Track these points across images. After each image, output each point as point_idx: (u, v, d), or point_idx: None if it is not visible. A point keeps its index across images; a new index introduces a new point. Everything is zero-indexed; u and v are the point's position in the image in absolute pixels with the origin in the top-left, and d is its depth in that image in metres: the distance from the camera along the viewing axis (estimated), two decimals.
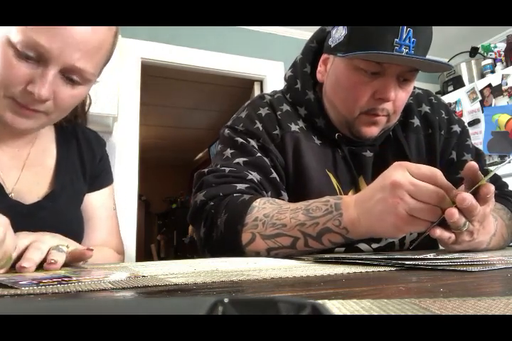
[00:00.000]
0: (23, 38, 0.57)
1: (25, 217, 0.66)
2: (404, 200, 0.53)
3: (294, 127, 0.83)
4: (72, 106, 0.69)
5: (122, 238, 0.87)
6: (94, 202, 0.82)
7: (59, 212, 0.73)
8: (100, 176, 0.84)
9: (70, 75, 0.63)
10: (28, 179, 0.72)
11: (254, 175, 0.76)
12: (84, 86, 0.66)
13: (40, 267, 0.46)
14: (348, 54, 0.73)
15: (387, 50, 0.69)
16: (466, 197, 0.54)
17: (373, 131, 0.79)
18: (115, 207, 0.87)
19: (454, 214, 0.54)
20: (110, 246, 0.80)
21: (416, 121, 0.88)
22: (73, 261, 0.51)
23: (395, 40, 0.69)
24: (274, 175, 0.78)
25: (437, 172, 0.54)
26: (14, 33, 0.58)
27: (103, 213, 0.83)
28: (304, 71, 0.87)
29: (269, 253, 0.64)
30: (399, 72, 0.73)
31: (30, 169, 0.73)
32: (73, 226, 0.75)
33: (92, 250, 0.51)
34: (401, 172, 0.55)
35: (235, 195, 0.71)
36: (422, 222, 0.54)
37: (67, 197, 0.76)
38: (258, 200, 0.68)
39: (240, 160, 0.78)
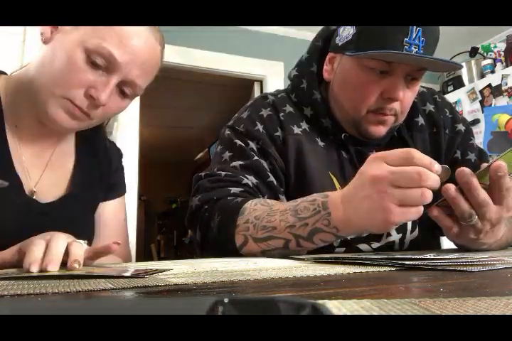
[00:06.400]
0: (100, 48, 0.63)
1: (39, 215, 0.68)
2: (389, 192, 0.51)
3: (296, 129, 0.82)
4: (112, 115, 0.74)
5: None
6: (107, 211, 0.83)
7: (72, 214, 0.74)
8: (115, 185, 0.86)
9: (124, 88, 0.69)
10: (48, 179, 0.73)
11: (250, 179, 0.75)
12: (130, 100, 0.72)
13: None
14: (358, 53, 0.72)
15: (397, 49, 0.69)
16: (464, 169, 0.54)
17: (381, 131, 0.78)
18: (126, 218, 0.88)
19: (449, 188, 0.54)
20: (118, 256, 0.80)
21: (420, 120, 0.87)
22: (93, 258, 0.52)
23: (405, 39, 0.69)
24: (272, 178, 0.78)
25: (412, 152, 0.52)
26: (90, 41, 0.63)
27: (114, 223, 0.84)
28: (310, 70, 0.86)
29: (264, 254, 0.64)
30: (407, 71, 0.73)
31: (51, 170, 0.75)
32: (84, 231, 0.75)
33: (119, 243, 0.51)
34: (377, 165, 0.53)
35: (228, 198, 0.71)
36: (413, 209, 0.52)
37: (81, 202, 0.77)
38: (249, 202, 0.68)
39: (237, 163, 0.77)
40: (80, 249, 0.48)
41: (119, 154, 0.89)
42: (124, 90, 0.69)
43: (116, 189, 0.86)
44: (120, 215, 0.86)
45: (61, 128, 0.68)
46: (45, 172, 0.74)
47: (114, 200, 0.85)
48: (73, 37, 0.64)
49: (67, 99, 0.64)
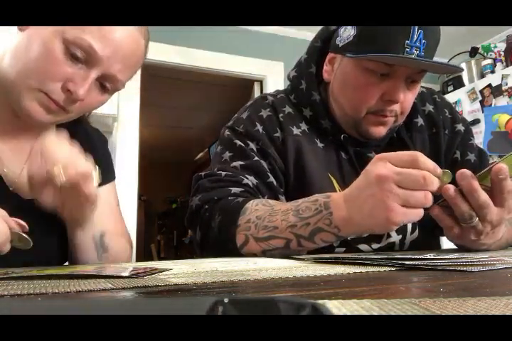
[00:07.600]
0: (79, 40, 0.60)
1: (23, 211, 0.66)
2: (394, 192, 0.52)
3: (296, 130, 0.82)
4: (92, 110, 0.71)
5: None
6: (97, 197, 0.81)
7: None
8: (102, 173, 0.83)
9: (104, 82, 0.65)
10: None
11: (250, 179, 0.75)
12: (109, 95, 0.69)
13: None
14: (359, 55, 0.72)
15: (398, 51, 0.69)
16: (464, 171, 0.55)
17: (381, 131, 0.78)
18: (118, 204, 0.86)
19: (448, 188, 0.55)
20: (117, 233, 0.78)
21: (420, 121, 0.87)
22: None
23: (406, 41, 0.69)
24: (272, 179, 0.78)
25: (417, 155, 0.54)
26: (70, 31, 0.59)
27: (106, 208, 0.81)
28: (309, 71, 0.86)
29: (265, 254, 0.65)
30: (408, 74, 0.73)
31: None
32: None
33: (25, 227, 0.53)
34: (382, 165, 0.54)
35: (229, 198, 0.71)
36: (415, 210, 0.54)
37: None
38: (251, 202, 0.68)
39: (237, 163, 0.77)
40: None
41: (102, 140, 0.86)
42: (104, 84, 0.66)
43: (104, 176, 0.84)
44: (112, 201, 0.83)
45: (37, 122, 0.65)
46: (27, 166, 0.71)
47: (102, 187, 0.81)
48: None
49: (42, 92, 0.61)
